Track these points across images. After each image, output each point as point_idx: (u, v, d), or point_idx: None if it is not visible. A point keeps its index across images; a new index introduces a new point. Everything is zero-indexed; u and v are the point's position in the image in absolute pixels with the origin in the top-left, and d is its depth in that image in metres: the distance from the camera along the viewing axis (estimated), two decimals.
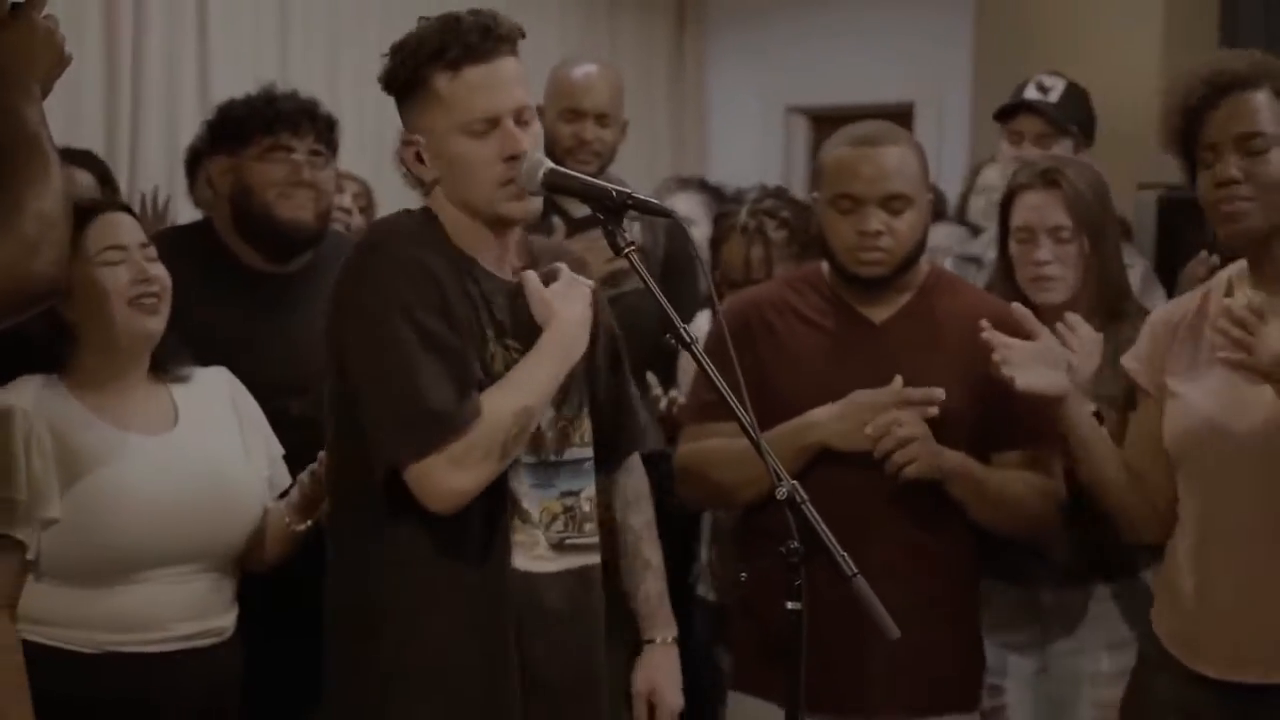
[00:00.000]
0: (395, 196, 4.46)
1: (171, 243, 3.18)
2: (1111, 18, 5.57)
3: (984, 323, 2.55)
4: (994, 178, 4.23)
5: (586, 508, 2.37)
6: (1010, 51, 5.63)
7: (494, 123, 2.24)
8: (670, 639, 2.61)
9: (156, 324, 2.55)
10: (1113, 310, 2.92)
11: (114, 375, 2.56)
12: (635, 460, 2.62)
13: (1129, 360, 2.65)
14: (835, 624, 2.20)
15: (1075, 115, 3.82)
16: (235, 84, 3.59)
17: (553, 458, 2.33)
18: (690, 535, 3.43)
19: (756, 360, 2.70)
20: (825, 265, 2.81)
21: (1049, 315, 2.81)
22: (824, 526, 2.01)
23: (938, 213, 4.94)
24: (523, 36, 2.31)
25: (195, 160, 3.97)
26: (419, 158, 2.30)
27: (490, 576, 2.26)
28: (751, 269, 3.27)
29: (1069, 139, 3.78)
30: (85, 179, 3.54)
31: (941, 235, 4.54)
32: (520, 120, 2.26)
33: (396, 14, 5.80)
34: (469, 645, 2.25)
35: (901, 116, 6.79)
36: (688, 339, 2.11)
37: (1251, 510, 2.42)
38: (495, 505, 2.25)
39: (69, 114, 4.82)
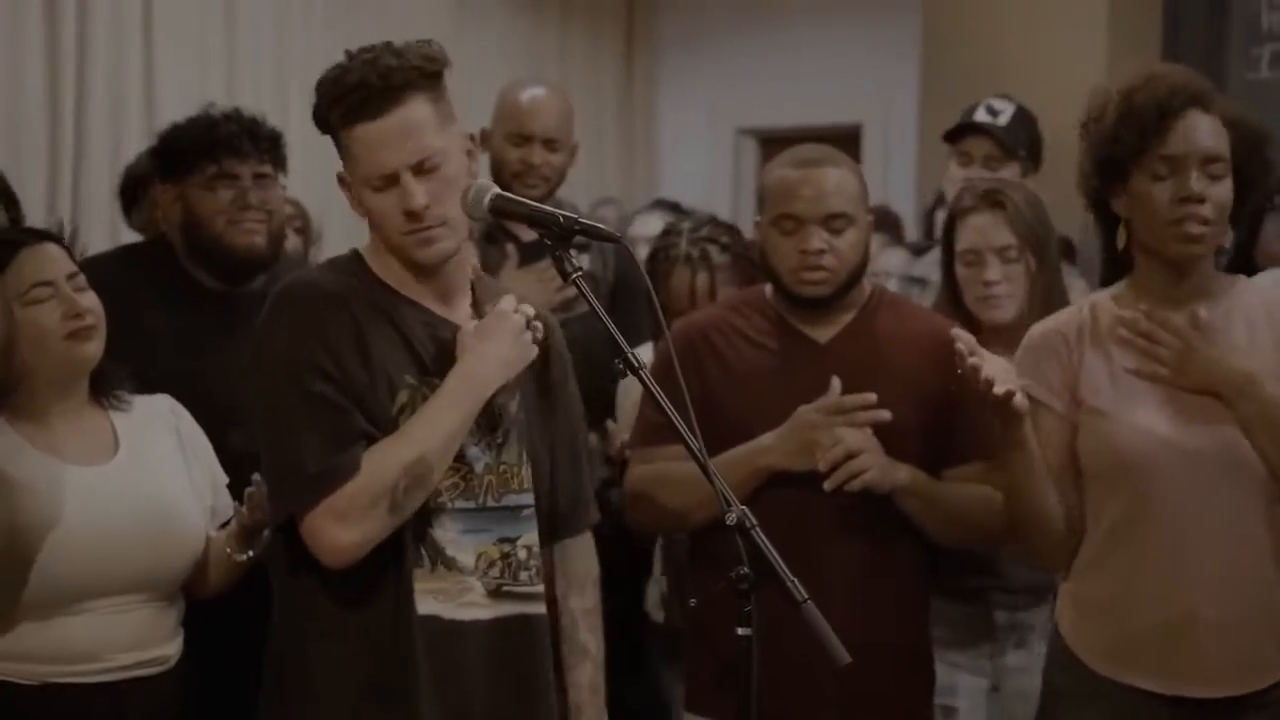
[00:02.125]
0: (346, 217, 4.45)
1: (124, 259, 3.17)
2: (1057, 40, 5.61)
3: (956, 331, 2.51)
4: None
5: (523, 555, 2.32)
6: (957, 73, 5.66)
7: (392, 179, 2.22)
8: None
9: (93, 349, 2.51)
10: None
11: (51, 405, 2.52)
12: (586, 539, 2.54)
13: (1033, 385, 2.52)
14: (787, 646, 2.20)
15: (1024, 139, 3.86)
16: (182, 104, 3.57)
17: (490, 503, 2.29)
18: (643, 556, 3.41)
19: (703, 383, 2.71)
20: (768, 287, 2.82)
21: (997, 334, 2.83)
22: (774, 552, 2.01)
23: (895, 234, 4.99)
24: (436, 64, 2.26)
25: (133, 186, 3.93)
26: (350, 194, 2.32)
27: (397, 629, 2.23)
28: (696, 296, 3.26)
29: (1016, 163, 3.81)
30: None
31: (892, 259, 4.57)
32: (421, 171, 2.22)
33: (342, 33, 5.82)
34: (370, 699, 2.23)
35: (850, 138, 6.84)
36: (635, 364, 2.11)
37: (1209, 521, 2.40)
38: (400, 556, 2.22)
39: (11, 136, 4.79)
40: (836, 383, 2.65)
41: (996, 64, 5.58)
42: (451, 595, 2.25)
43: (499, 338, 2.26)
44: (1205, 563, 2.40)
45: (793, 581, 1.99)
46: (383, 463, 2.17)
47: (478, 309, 2.35)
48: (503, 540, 2.30)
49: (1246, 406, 2.36)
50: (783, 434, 2.65)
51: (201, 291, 3.02)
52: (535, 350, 2.30)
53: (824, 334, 2.76)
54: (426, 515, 2.23)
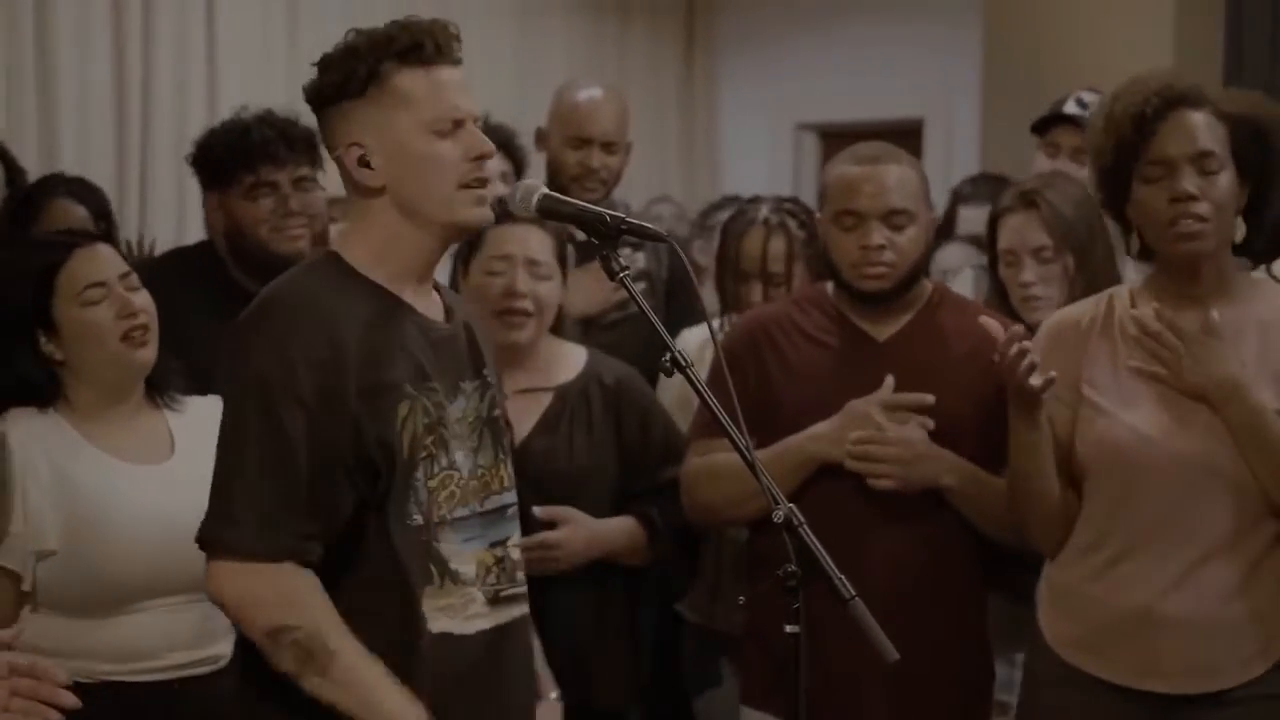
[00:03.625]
0: None
1: (174, 264, 3.21)
2: (1122, 32, 5.55)
3: (984, 320, 2.57)
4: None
5: (515, 555, 2.27)
6: (1019, 68, 5.62)
7: (460, 124, 2.17)
8: (554, 697, 2.59)
9: (148, 354, 2.56)
10: None
11: (109, 405, 2.56)
12: None
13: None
14: (840, 643, 2.20)
15: None
16: (246, 103, 3.60)
17: (478, 509, 2.22)
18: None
19: (762, 377, 2.74)
20: (830, 284, 2.84)
21: None
22: (821, 549, 2.00)
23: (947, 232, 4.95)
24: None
25: None
26: (364, 161, 2.16)
27: (407, 649, 2.14)
28: (769, 261, 3.22)
29: None
30: (79, 213, 3.52)
31: (955, 254, 4.54)
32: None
33: None
34: None
35: (911, 133, 6.79)
36: (683, 362, 2.11)
37: (1193, 523, 2.43)
38: (406, 577, 2.14)
39: (80, 140, 4.86)
40: (890, 381, 2.66)
41: (1060, 57, 5.53)
42: (458, 610, 2.18)
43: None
44: (1171, 563, 2.43)
45: (840, 578, 1.99)
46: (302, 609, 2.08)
47: (447, 305, 2.28)
48: (494, 544, 2.24)
49: (1232, 412, 2.40)
50: (833, 425, 2.67)
51: (248, 297, 3.03)
52: None
53: (883, 332, 2.77)
54: (431, 530, 2.16)
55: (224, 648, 2.55)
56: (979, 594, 2.81)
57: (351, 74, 2.16)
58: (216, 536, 2.11)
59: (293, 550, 2.10)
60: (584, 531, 2.90)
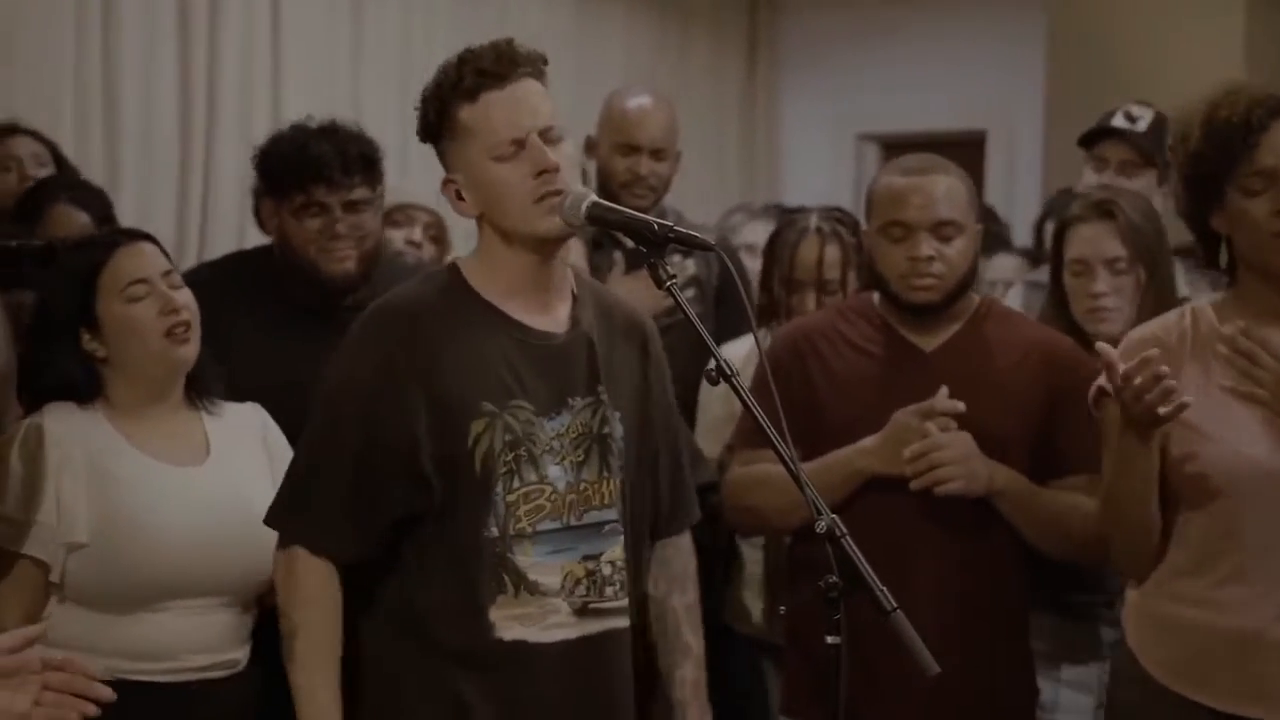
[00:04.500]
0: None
1: (230, 269, 3.22)
2: (1190, 46, 5.50)
3: (1103, 348, 2.45)
4: None
5: (608, 571, 2.30)
6: (1083, 79, 5.58)
7: (519, 143, 2.23)
8: None
9: (189, 352, 2.57)
10: None
11: (149, 404, 2.58)
12: (685, 538, 2.55)
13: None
14: (883, 655, 2.18)
15: (1162, 146, 3.76)
16: (309, 109, 3.62)
17: (573, 522, 2.28)
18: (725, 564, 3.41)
19: (807, 387, 2.74)
20: (876, 295, 2.82)
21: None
22: (863, 561, 2.00)
23: (1003, 242, 4.93)
24: (544, 63, 2.29)
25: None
26: (459, 195, 2.30)
27: (477, 654, 2.24)
28: (825, 269, 3.23)
29: (1154, 170, 3.72)
30: (81, 219, 3.51)
31: (1005, 266, 4.52)
32: (548, 139, 2.24)
33: (466, 39, 5.89)
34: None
35: (974, 145, 6.78)
36: (729, 371, 2.11)
37: None
38: (475, 586, 2.23)
39: (145, 150, 4.91)
40: (944, 391, 2.64)
41: (1124, 69, 5.49)
42: (535, 619, 2.24)
43: None
44: None
45: (882, 590, 1.98)
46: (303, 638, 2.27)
47: (576, 316, 2.34)
48: (587, 558, 2.28)
49: None
50: (881, 438, 2.66)
51: (294, 311, 3.01)
52: None
53: (930, 343, 2.75)
54: (507, 542, 2.23)
55: (241, 653, 2.58)
56: (1024, 610, 2.79)
57: (427, 119, 2.30)
58: (288, 527, 2.31)
59: (322, 543, 2.27)
60: None
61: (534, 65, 2.27)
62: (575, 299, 2.36)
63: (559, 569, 2.26)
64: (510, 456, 2.23)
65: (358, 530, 2.26)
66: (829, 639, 2.02)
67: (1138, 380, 2.32)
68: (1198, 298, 3.10)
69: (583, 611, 2.27)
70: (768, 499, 2.72)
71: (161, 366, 2.57)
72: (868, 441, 2.67)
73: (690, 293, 3.61)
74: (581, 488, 2.29)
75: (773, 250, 3.33)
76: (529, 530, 2.24)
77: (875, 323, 2.79)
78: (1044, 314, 3.09)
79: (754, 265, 4.08)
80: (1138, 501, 2.47)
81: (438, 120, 2.28)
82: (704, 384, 2.24)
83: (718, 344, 2.80)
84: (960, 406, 2.63)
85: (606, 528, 2.32)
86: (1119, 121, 3.77)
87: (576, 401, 2.30)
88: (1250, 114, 2.38)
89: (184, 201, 5.03)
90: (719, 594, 3.29)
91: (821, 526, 2.01)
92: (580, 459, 2.29)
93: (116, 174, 4.72)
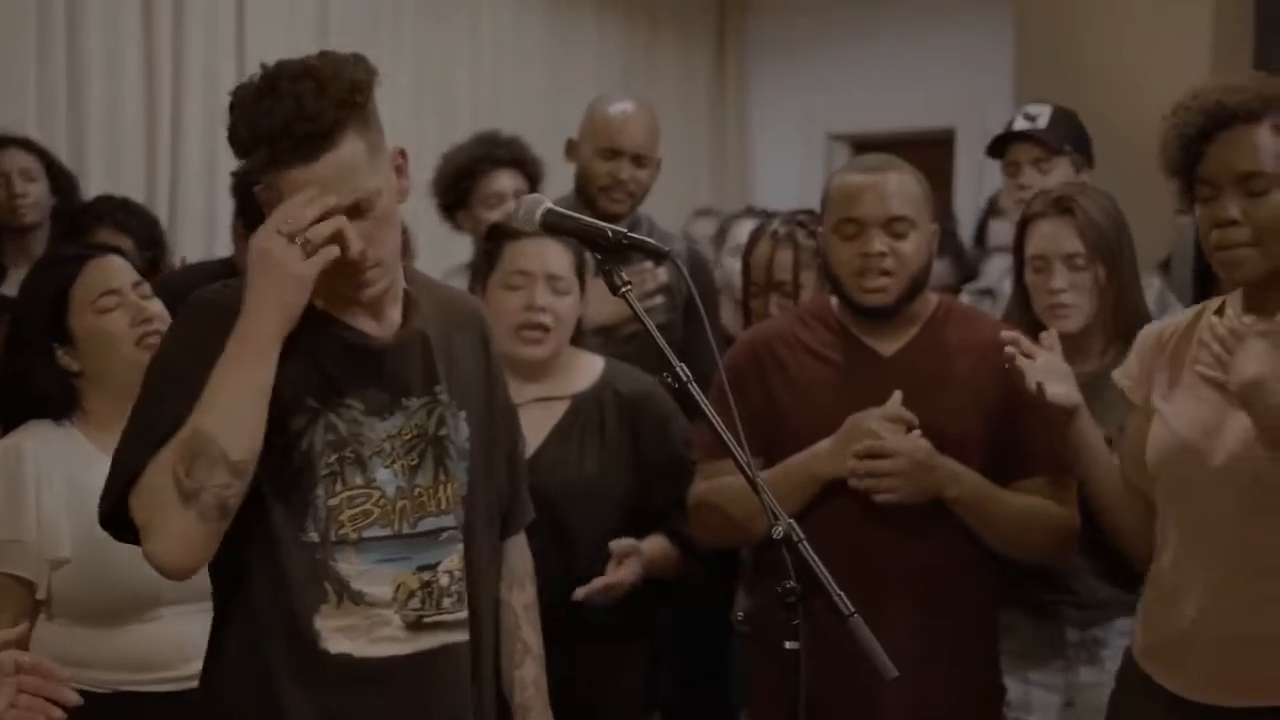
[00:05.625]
0: (437, 230, 4.50)
1: (194, 278, 3.22)
2: (1156, 42, 5.52)
3: (1006, 334, 2.56)
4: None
5: (445, 581, 2.17)
6: (1051, 77, 5.58)
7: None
8: None
9: None
10: (1131, 336, 2.90)
11: (124, 415, 2.58)
12: (522, 539, 2.47)
13: (1121, 377, 2.63)
14: (847, 658, 2.19)
15: (1067, 135, 3.81)
16: None
17: (405, 530, 2.15)
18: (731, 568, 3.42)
19: (769, 396, 2.73)
20: (834, 299, 2.81)
21: (1065, 343, 2.80)
22: (821, 566, 2.00)
23: (953, 247, 4.93)
24: (369, 93, 2.08)
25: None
26: None
27: (300, 668, 2.10)
28: (774, 271, 3.25)
29: (1065, 158, 3.76)
30: (124, 244, 3.50)
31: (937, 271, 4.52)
32: (355, 214, 2.06)
33: (434, 47, 5.89)
34: None
35: (943, 143, 6.80)
36: (685, 377, 2.11)
37: (1226, 534, 2.38)
38: (287, 591, 2.09)
39: (110, 159, 4.90)
40: (897, 395, 2.64)
41: (1091, 66, 5.51)
42: (362, 631, 2.11)
43: (265, 280, 2.03)
44: (1214, 568, 2.38)
45: (839, 595, 1.99)
46: (161, 453, 2.01)
47: (408, 317, 2.22)
48: (422, 568, 2.16)
49: (1255, 413, 2.31)
50: (835, 442, 2.65)
51: None
52: (317, 267, 2.03)
53: (888, 347, 2.75)
54: (327, 548, 2.10)
55: None
56: (991, 610, 2.79)
57: (235, 141, 2.11)
58: (103, 500, 2.12)
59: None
60: (640, 565, 2.90)
61: (354, 108, 2.06)
62: (408, 297, 2.23)
63: (390, 579, 2.13)
64: (334, 458, 2.11)
65: None
66: (787, 644, 2.03)
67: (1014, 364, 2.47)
68: (1173, 310, 3.14)
69: (416, 626, 2.15)
70: (728, 512, 2.70)
71: (135, 377, 2.56)
72: (821, 445, 2.66)
73: (659, 300, 3.62)
74: (415, 493, 2.16)
75: (743, 255, 3.37)
76: (353, 536, 2.11)
77: (833, 327, 2.79)
78: (1008, 311, 3.11)
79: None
80: (1102, 498, 2.55)
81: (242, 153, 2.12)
82: None
83: (690, 352, 2.83)
84: (912, 419, 2.62)
85: (444, 535, 2.19)
86: (1020, 124, 3.82)
87: (411, 402, 2.18)
88: (1197, 123, 2.40)
89: (151, 200, 5.01)
90: (721, 592, 3.30)
91: (779, 532, 2.03)
92: (414, 462, 2.17)
93: (82, 172, 4.70)
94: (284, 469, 2.10)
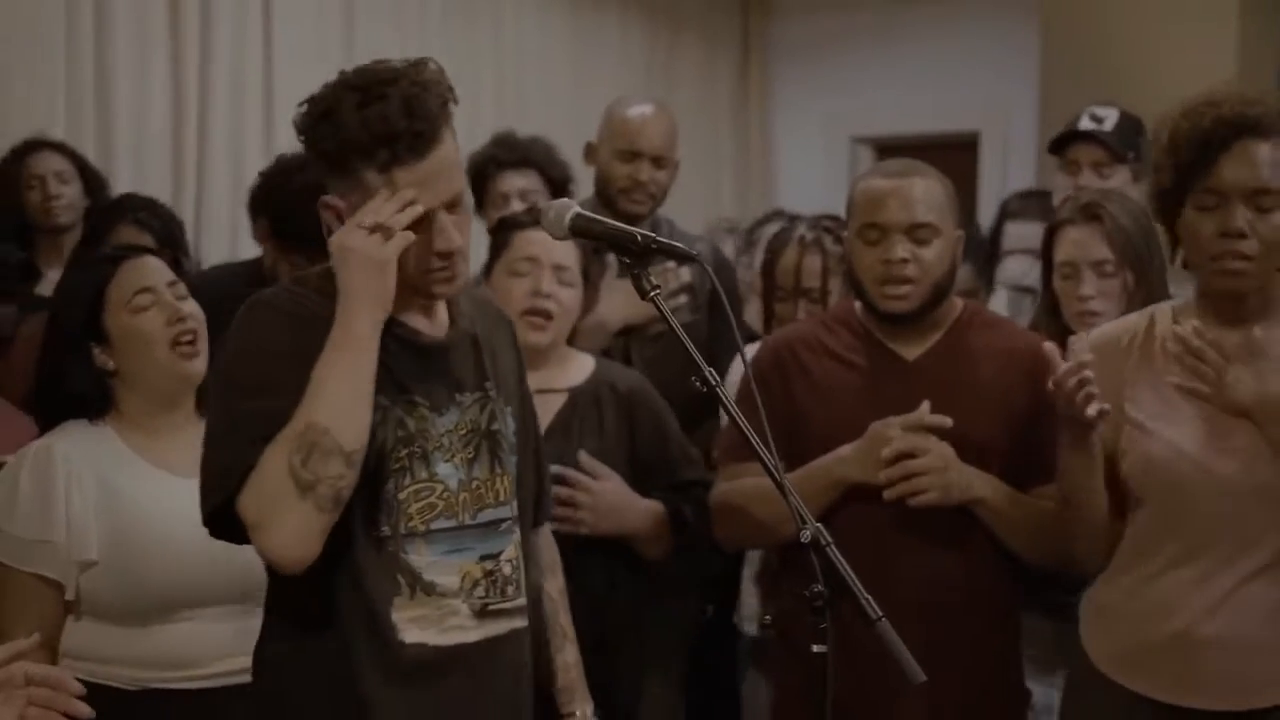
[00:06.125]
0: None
1: (225, 278, 3.25)
2: (1180, 46, 5.51)
3: (1050, 346, 2.52)
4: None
5: (508, 570, 2.26)
6: (1076, 81, 5.57)
7: (427, 218, 2.14)
8: (589, 713, 2.56)
9: (199, 365, 2.61)
10: None
11: (159, 415, 2.62)
12: (546, 528, 2.57)
13: None
14: (872, 662, 2.19)
15: (1132, 141, 3.80)
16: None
17: (468, 521, 2.23)
18: (734, 569, 3.42)
19: (791, 399, 2.73)
20: (857, 303, 2.82)
21: None
22: (848, 569, 2.01)
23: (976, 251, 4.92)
24: (454, 96, 2.16)
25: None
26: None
27: (377, 657, 2.16)
28: (803, 277, 3.25)
29: (1126, 166, 3.75)
30: (145, 242, 3.55)
31: (1013, 269, 4.51)
32: (453, 208, 2.17)
33: (460, 51, 5.90)
34: None
35: (967, 146, 6.79)
36: (713, 382, 2.12)
37: (1232, 541, 2.42)
38: (361, 582, 2.15)
39: (136, 163, 4.92)
40: (926, 406, 2.64)
41: (1117, 70, 5.49)
42: (433, 621, 2.19)
43: (352, 273, 2.10)
44: (1212, 582, 2.42)
45: (867, 599, 1.99)
46: (271, 448, 2.05)
47: (454, 316, 2.30)
48: (485, 557, 2.24)
49: (1275, 431, 2.37)
50: (860, 446, 2.65)
51: None
52: (397, 249, 2.11)
53: (912, 351, 2.75)
54: (399, 541, 2.17)
55: None
56: (1012, 614, 2.79)
57: (328, 148, 2.18)
58: (208, 497, 2.15)
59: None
60: (615, 496, 2.90)
61: (446, 106, 2.15)
62: (450, 298, 2.31)
63: (456, 569, 2.21)
64: (404, 453, 2.18)
65: None
66: (815, 648, 2.03)
67: (1069, 383, 2.38)
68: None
69: (482, 613, 2.23)
70: (754, 513, 2.71)
71: (170, 379, 2.61)
72: (845, 450, 2.66)
73: (682, 300, 3.63)
74: (474, 485, 2.25)
75: (765, 259, 3.37)
76: (421, 529, 2.19)
77: (857, 331, 2.79)
78: (1037, 317, 3.12)
79: None
80: (1079, 498, 2.53)
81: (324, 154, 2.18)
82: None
83: (714, 351, 2.84)
84: (947, 422, 2.62)
85: (503, 525, 2.28)
86: (1085, 124, 3.81)
87: (465, 398, 2.26)
88: (1215, 130, 2.41)
89: (177, 204, 4.99)
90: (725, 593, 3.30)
91: (806, 536, 2.03)
92: (470, 456, 2.25)
93: (110, 177, 4.70)
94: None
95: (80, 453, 2.53)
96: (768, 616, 2.73)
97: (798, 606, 2.09)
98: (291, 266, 3.04)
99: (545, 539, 2.56)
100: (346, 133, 2.11)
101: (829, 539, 2.03)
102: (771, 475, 2.08)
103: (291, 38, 5.34)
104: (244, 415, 2.10)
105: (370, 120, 2.09)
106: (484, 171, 4.17)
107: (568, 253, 2.97)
